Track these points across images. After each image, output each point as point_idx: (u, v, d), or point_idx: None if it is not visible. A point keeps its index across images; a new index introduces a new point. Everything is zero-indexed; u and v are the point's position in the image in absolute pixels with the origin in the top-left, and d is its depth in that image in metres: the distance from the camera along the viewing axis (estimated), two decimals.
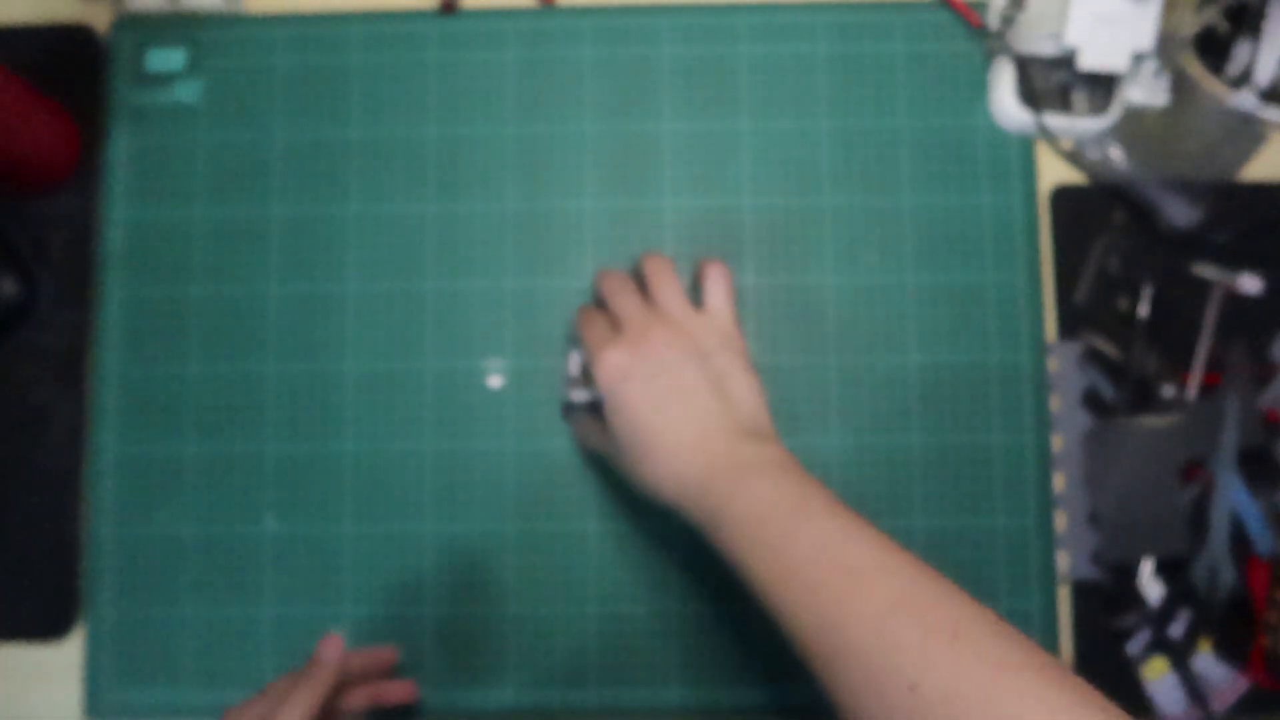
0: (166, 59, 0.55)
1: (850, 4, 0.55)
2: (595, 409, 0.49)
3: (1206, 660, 0.50)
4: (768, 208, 0.54)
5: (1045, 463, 0.52)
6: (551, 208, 0.54)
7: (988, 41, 0.54)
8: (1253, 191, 0.53)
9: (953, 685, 0.33)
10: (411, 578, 0.52)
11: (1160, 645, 0.50)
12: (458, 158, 0.54)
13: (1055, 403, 0.52)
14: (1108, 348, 0.52)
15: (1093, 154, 0.53)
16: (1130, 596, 0.50)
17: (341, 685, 0.46)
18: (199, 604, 0.52)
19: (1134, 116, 0.53)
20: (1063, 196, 0.53)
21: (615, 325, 0.46)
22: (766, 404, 0.45)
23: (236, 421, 0.53)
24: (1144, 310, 0.52)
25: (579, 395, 0.50)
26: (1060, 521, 0.51)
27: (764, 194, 0.54)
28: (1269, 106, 0.52)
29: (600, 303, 0.49)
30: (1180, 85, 0.53)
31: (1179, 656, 0.50)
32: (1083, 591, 0.51)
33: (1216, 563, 0.50)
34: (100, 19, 0.55)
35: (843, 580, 0.37)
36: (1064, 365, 0.52)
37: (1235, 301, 0.52)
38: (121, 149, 0.54)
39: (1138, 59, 0.51)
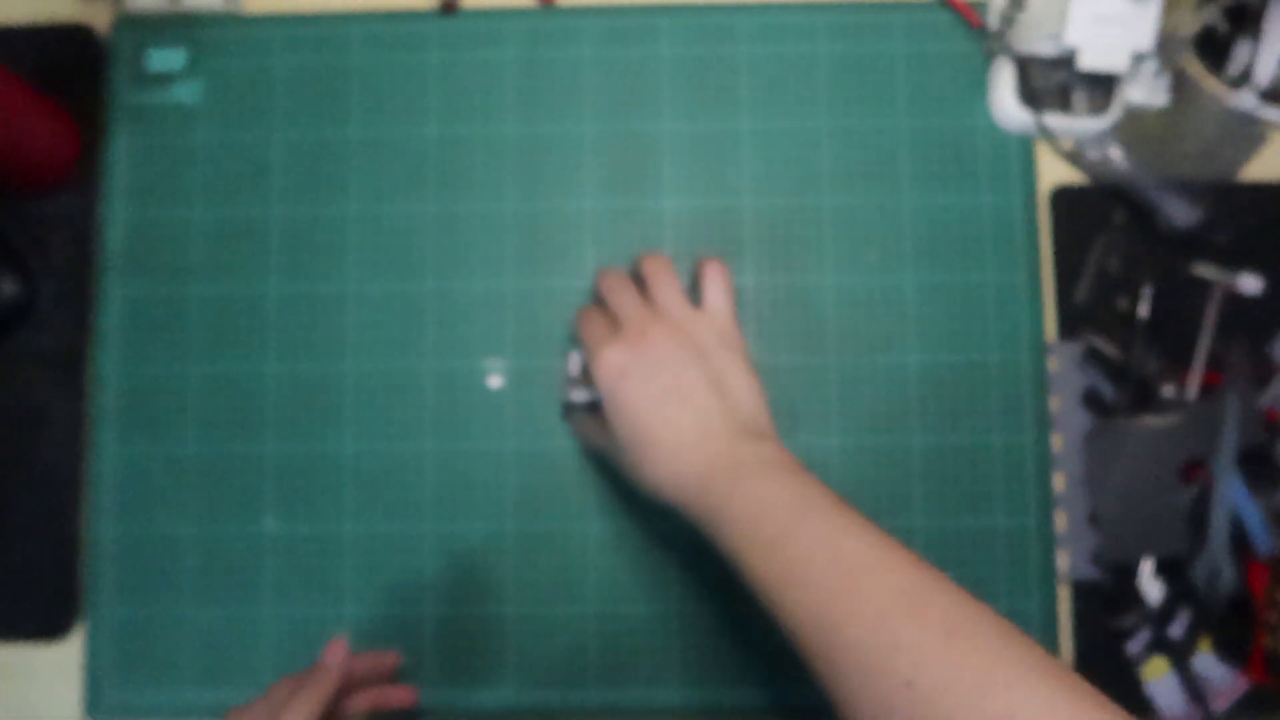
0: (166, 59, 0.55)
1: (850, 4, 0.55)
2: (595, 409, 0.49)
3: (1206, 660, 0.50)
4: (768, 208, 0.54)
5: (1045, 463, 0.52)
6: (551, 208, 0.54)
7: (988, 41, 0.54)
8: (1253, 191, 0.53)
9: (948, 680, 0.33)
10: (411, 578, 0.52)
11: (1160, 645, 0.50)
12: (458, 158, 0.54)
13: (1055, 403, 0.52)
14: (1108, 348, 0.52)
15: (1093, 154, 0.53)
16: (1130, 596, 0.50)
17: (344, 689, 0.46)
18: (199, 604, 0.52)
19: (1134, 116, 0.53)
20: (1063, 196, 0.53)
21: (614, 324, 0.46)
22: (766, 403, 0.45)
23: (236, 421, 0.53)
24: (1144, 310, 0.52)
25: (579, 395, 0.50)
26: (1060, 521, 0.51)
27: (764, 194, 0.54)
28: (1269, 106, 0.52)
29: (599, 302, 0.49)
30: (1180, 85, 0.53)
31: (1179, 656, 0.50)
32: (1083, 591, 0.51)
33: (1216, 563, 0.50)
34: (100, 19, 0.55)
35: (840, 577, 0.37)
36: (1064, 365, 0.52)
37: (1235, 301, 0.52)
38: (121, 149, 0.54)
39: (1138, 59, 0.51)
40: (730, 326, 0.46)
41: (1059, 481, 0.52)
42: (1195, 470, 0.50)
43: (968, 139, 0.54)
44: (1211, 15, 0.52)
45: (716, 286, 0.47)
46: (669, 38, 0.55)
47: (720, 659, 0.51)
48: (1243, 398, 0.50)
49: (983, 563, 0.51)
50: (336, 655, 0.46)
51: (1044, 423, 0.52)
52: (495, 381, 0.53)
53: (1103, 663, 0.50)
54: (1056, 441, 0.52)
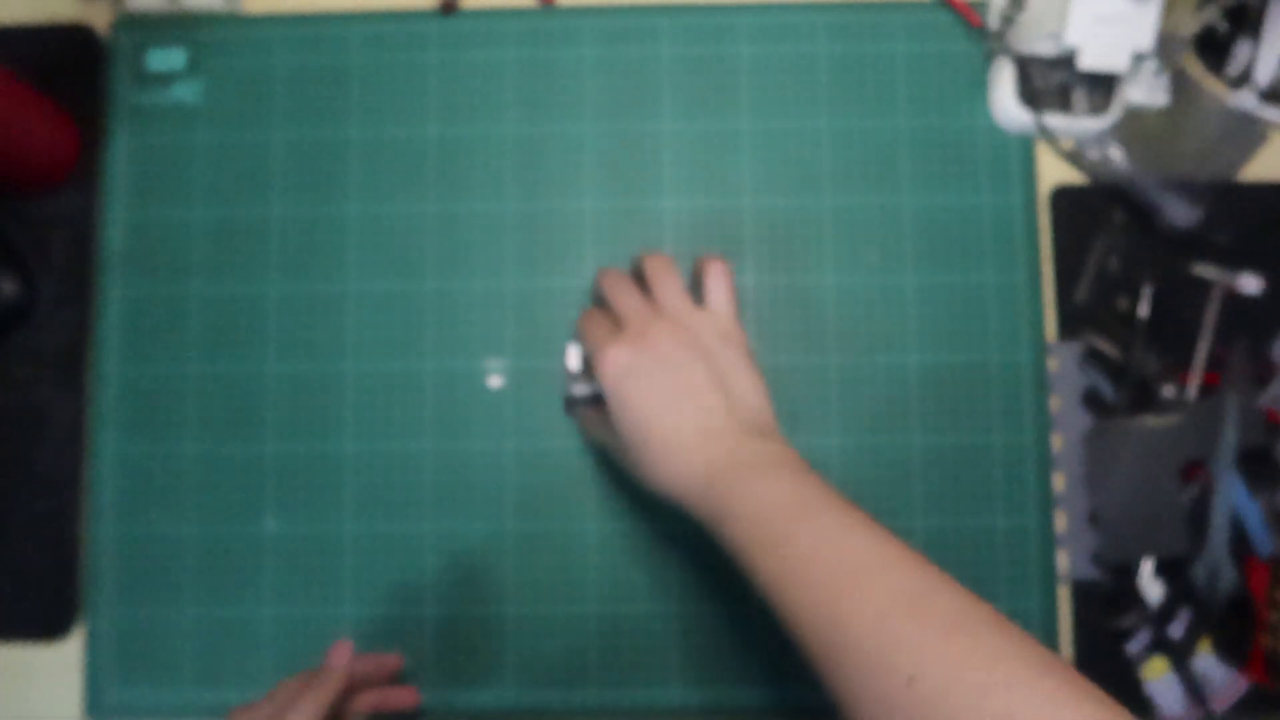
0: (166, 59, 0.55)
1: (850, 4, 0.55)
2: (597, 401, 0.49)
3: (1206, 660, 0.50)
4: (768, 208, 0.54)
5: (1045, 463, 0.52)
6: (551, 208, 0.54)
7: (988, 41, 0.54)
8: (1253, 191, 0.53)
9: (950, 678, 0.33)
10: (411, 578, 0.52)
11: (1160, 645, 0.50)
12: (458, 158, 0.54)
13: (1055, 403, 0.52)
14: (1108, 348, 0.52)
15: (1093, 154, 0.53)
16: (1130, 596, 0.50)
17: (348, 690, 0.46)
18: (199, 604, 0.52)
19: (1134, 116, 0.53)
20: (1063, 196, 0.53)
21: (617, 324, 0.46)
22: (770, 401, 0.45)
23: (236, 421, 0.53)
24: (1144, 310, 0.52)
25: (580, 389, 0.51)
26: (1060, 521, 0.51)
27: (764, 194, 0.54)
28: (1269, 106, 0.52)
29: (600, 303, 0.49)
30: (1180, 85, 0.53)
31: (1179, 656, 0.50)
32: (1083, 591, 0.51)
33: (1216, 563, 0.50)
34: (100, 19, 0.55)
35: (843, 576, 0.37)
36: (1064, 365, 0.52)
37: (1235, 301, 0.52)
38: (121, 149, 0.54)
39: (1138, 59, 0.51)
40: (733, 325, 0.46)
41: (1059, 481, 0.52)
42: (1195, 470, 0.50)
43: (968, 139, 0.54)
44: (1211, 15, 0.52)
45: (719, 285, 0.47)
46: (669, 38, 0.55)
47: (720, 659, 0.51)
48: (1243, 398, 0.50)
49: (983, 563, 0.51)
50: (341, 657, 0.46)
51: (1044, 423, 0.52)
52: (495, 381, 0.53)
53: (1103, 663, 0.50)
54: (1056, 441, 0.52)
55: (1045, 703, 0.32)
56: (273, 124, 0.54)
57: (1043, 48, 0.51)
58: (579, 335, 0.48)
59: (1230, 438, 0.50)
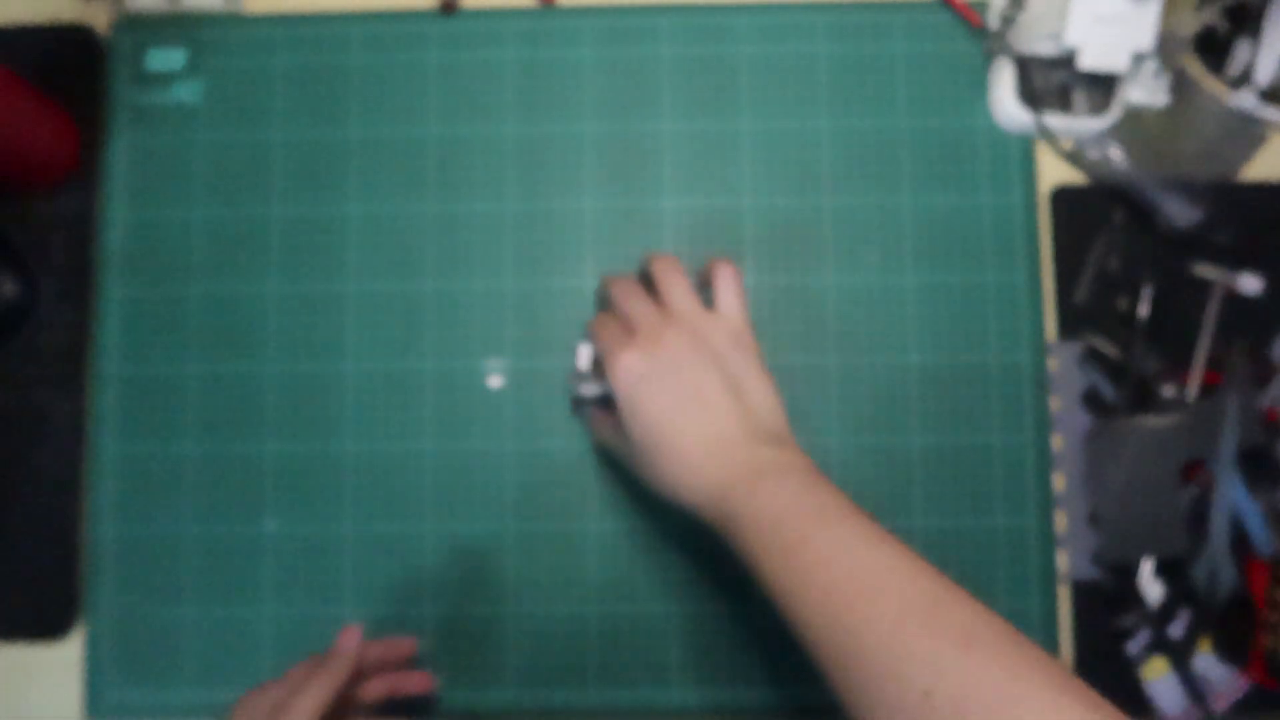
0: (166, 59, 0.55)
1: (850, 4, 0.55)
2: (605, 403, 0.49)
3: (1206, 660, 0.50)
4: (768, 208, 0.54)
5: (1045, 463, 0.52)
6: (551, 208, 0.54)
7: (988, 41, 0.54)
8: (1253, 191, 0.53)
9: (966, 693, 0.33)
10: (412, 578, 0.52)
11: (1160, 645, 0.50)
12: (458, 158, 0.54)
13: (1055, 403, 0.52)
14: (1108, 348, 0.52)
15: (1093, 154, 0.53)
16: (1130, 596, 0.50)
17: (358, 675, 0.47)
18: (199, 604, 0.52)
19: (1134, 116, 0.53)
20: (1063, 196, 0.53)
21: (628, 328, 0.45)
22: (782, 405, 0.44)
23: (236, 421, 0.53)
24: (1144, 310, 0.52)
25: (588, 389, 0.50)
26: (1060, 521, 0.51)
27: (764, 194, 0.54)
28: (1269, 106, 0.52)
29: (607, 307, 0.49)
30: (1180, 85, 0.53)
31: (1179, 656, 0.50)
32: (1083, 591, 0.51)
33: (1216, 563, 0.50)
34: (100, 19, 0.55)
35: (857, 585, 0.37)
36: (1064, 365, 0.52)
37: (1235, 301, 0.52)
38: (121, 149, 0.54)
39: (1138, 59, 0.51)
40: (744, 329, 0.46)
41: (1059, 481, 0.52)
42: (1195, 470, 0.50)
43: (968, 139, 0.54)
44: (1211, 15, 0.52)
45: (729, 288, 0.46)
46: (669, 38, 0.55)
47: (720, 659, 0.51)
48: (1243, 398, 0.50)
49: (983, 563, 0.51)
50: (350, 642, 0.46)
51: (1044, 423, 0.52)
52: (495, 381, 0.53)
53: (1103, 663, 0.50)
54: (1056, 441, 0.52)
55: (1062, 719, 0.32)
56: (273, 124, 0.54)
57: (1043, 48, 0.51)
58: (591, 338, 0.48)
59: (1230, 438, 0.50)
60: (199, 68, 0.55)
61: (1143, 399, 0.51)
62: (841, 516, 0.39)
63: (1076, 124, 0.52)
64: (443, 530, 0.52)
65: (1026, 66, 0.52)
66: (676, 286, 0.46)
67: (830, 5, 0.55)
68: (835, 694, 0.37)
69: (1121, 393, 0.52)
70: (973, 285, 0.53)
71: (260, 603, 0.52)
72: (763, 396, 0.44)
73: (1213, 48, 0.53)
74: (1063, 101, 0.52)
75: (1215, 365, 0.51)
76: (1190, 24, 0.52)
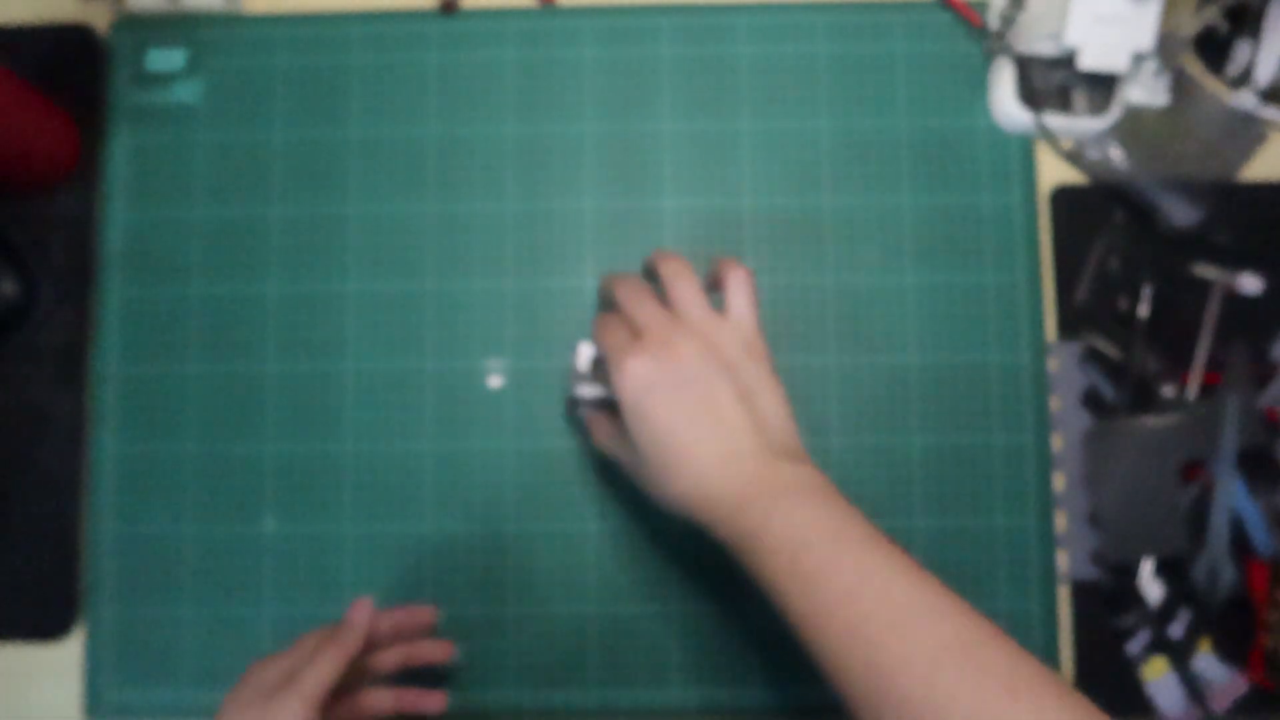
0: (166, 59, 0.55)
1: (850, 4, 0.55)
2: (603, 406, 0.48)
3: (1206, 660, 0.50)
4: (768, 208, 0.54)
5: (1045, 463, 0.52)
6: (551, 208, 0.54)
7: (988, 41, 0.54)
8: (1253, 191, 0.53)
9: None
10: (411, 578, 0.52)
11: (1160, 645, 0.50)
12: (458, 158, 0.54)
13: (1055, 403, 0.52)
14: (1108, 348, 0.52)
15: (1093, 154, 0.53)
16: (1130, 596, 0.50)
17: (371, 645, 0.46)
18: (199, 604, 0.52)
19: (1134, 116, 0.53)
20: (1063, 196, 0.53)
21: (635, 333, 0.43)
22: (793, 417, 0.43)
23: (236, 421, 0.53)
24: (1144, 310, 0.52)
25: (587, 391, 0.48)
26: (1060, 521, 0.51)
27: (764, 194, 0.54)
28: (1269, 106, 0.52)
29: (609, 307, 0.47)
30: (1180, 85, 0.53)
31: (1179, 656, 0.50)
32: (1083, 591, 0.51)
33: (1216, 563, 0.50)
34: (100, 19, 0.55)
35: (887, 620, 0.35)
36: (1064, 365, 0.52)
37: (1235, 301, 0.52)
38: (121, 149, 0.54)
39: (1138, 59, 0.51)
40: (756, 336, 0.43)
41: (1059, 481, 0.52)
42: (1195, 470, 0.50)
43: (968, 139, 0.54)
44: (1211, 15, 0.52)
45: (741, 292, 0.44)
46: (669, 38, 0.55)
47: (720, 659, 0.51)
48: (1243, 398, 0.50)
49: (983, 563, 0.51)
50: (361, 615, 0.45)
51: (1044, 423, 0.52)
52: (495, 381, 0.53)
53: (1103, 663, 0.50)
54: (1056, 441, 0.52)
55: None
56: (273, 124, 0.54)
57: (1043, 48, 0.51)
58: (595, 340, 0.45)
59: (1230, 438, 0.50)
60: (199, 68, 0.55)
61: (1143, 399, 0.51)
62: (864, 541, 0.38)
63: (1076, 124, 0.52)
64: (443, 530, 0.52)
65: (1026, 66, 0.52)
66: (687, 290, 0.44)
67: (830, 5, 0.55)
68: None
69: (1121, 393, 0.52)
70: (973, 285, 0.53)
71: (260, 603, 0.52)
72: (775, 408, 0.42)
73: (1213, 48, 0.53)
74: (1063, 101, 0.52)
75: (1215, 365, 0.51)
76: (1190, 24, 0.52)
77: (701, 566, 0.51)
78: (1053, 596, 0.51)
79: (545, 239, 0.54)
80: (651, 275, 0.46)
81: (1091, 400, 0.52)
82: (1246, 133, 0.53)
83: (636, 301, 0.44)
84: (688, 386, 0.41)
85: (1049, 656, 0.50)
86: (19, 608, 0.51)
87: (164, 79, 0.55)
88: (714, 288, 0.46)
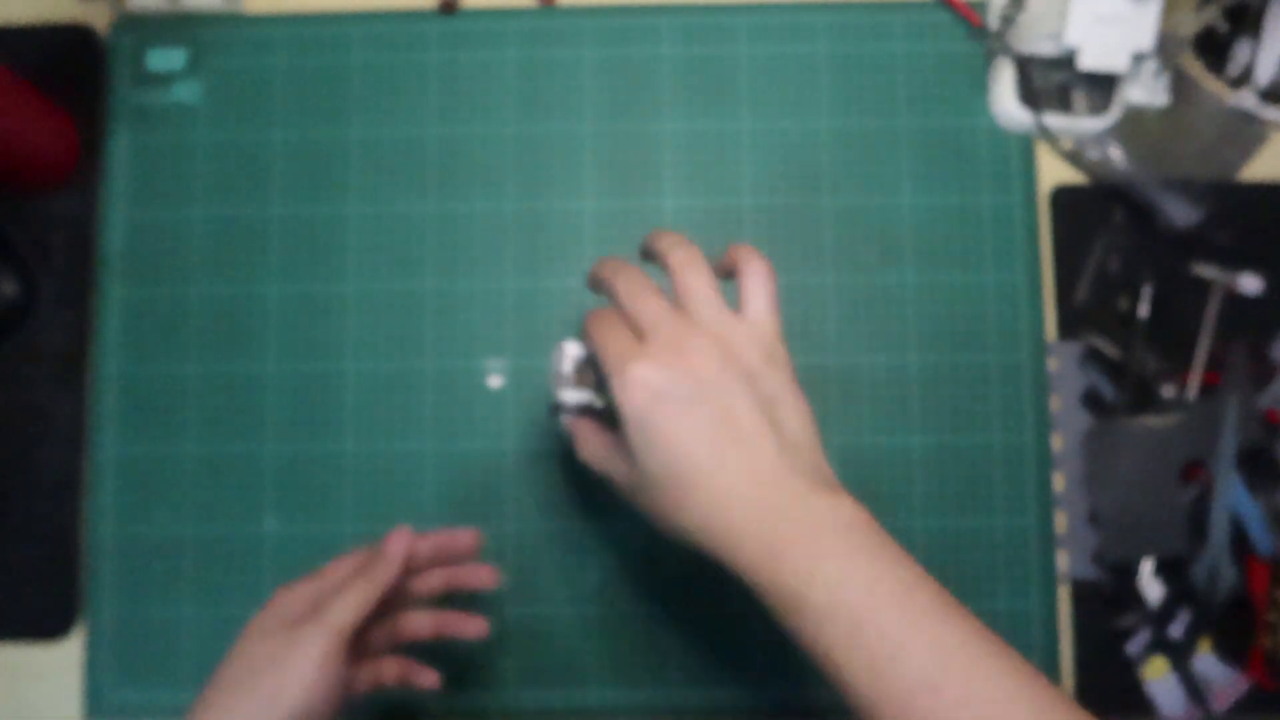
0: (166, 59, 0.55)
1: (850, 4, 0.55)
2: (588, 413, 0.43)
3: (1206, 660, 0.50)
4: (768, 208, 0.54)
5: (1045, 463, 0.52)
6: (551, 208, 0.54)
7: (988, 41, 0.54)
8: (1253, 191, 0.53)
9: None
10: None
11: (1160, 645, 0.50)
12: (458, 158, 0.54)
13: (1055, 403, 0.52)
14: (1108, 348, 0.52)
15: (1093, 154, 0.53)
16: (1130, 596, 0.50)
17: (410, 571, 0.44)
18: (199, 604, 0.52)
19: (1134, 116, 0.53)
20: (1063, 196, 0.53)
21: (638, 333, 0.38)
22: (819, 434, 0.38)
23: (236, 421, 0.53)
24: (1144, 310, 0.52)
25: (570, 396, 0.43)
26: (1060, 521, 0.51)
27: (764, 194, 0.54)
28: (1269, 106, 0.52)
29: (597, 297, 0.42)
30: (1180, 85, 0.53)
31: (1179, 656, 0.50)
32: (1083, 591, 0.51)
33: (1216, 563, 0.50)
34: (100, 19, 0.55)
35: (977, 716, 0.31)
36: (1064, 365, 0.52)
37: (1235, 301, 0.52)
38: (121, 149, 0.54)
39: (1138, 59, 0.51)
40: (777, 340, 0.38)
41: (1059, 481, 0.52)
42: (1195, 470, 0.50)
43: (968, 139, 0.54)
44: (1211, 15, 0.52)
45: (760, 288, 0.38)
46: (669, 38, 0.55)
47: (720, 659, 0.51)
48: (1243, 398, 0.50)
49: (983, 563, 0.51)
50: (397, 547, 0.42)
51: (1044, 423, 0.52)
52: (495, 381, 0.53)
53: (1103, 663, 0.50)
54: (1056, 441, 0.52)
55: None
56: (273, 124, 0.54)
57: (1043, 48, 0.51)
58: (587, 339, 0.40)
59: (1230, 438, 0.50)
60: (199, 68, 0.55)
61: (1143, 399, 0.51)
62: (935, 610, 0.33)
63: (1076, 124, 0.52)
64: None
65: (1026, 66, 0.52)
66: (700, 284, 0.38)
67: (830, 5, 0.55)
68: None
69: (1121, 393, 0.52)
70: (973, 285, 0.53)
71: (260, 603, 0.51)
72: (800, 424, 0.37)
73: (1213, 48, 0.53)
74: (1063, 101, 0.52)
75: (1215, 365, 0.51)
76: (1190, 24, 0.52)
77: (702, 567, 0.51)
78: (1053, 596, 0.51)
79: (545, 239, 0.54)
80: (650, 260, 0.41)
81: (1091, 400, 0.52)
82: (1246, 133, 0.53)
83: (640, 296, 0.38)
84: (703, 399, 0.36)
85: (1049, 656, 0.50)
86: (19, 608, 0.51)
87: (164, 79, 0.55)
88: (724, 278, 0.40)
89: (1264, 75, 0.52)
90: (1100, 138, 0.53)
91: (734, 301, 0.38)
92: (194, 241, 0.54)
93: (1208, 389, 0.51)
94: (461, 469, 0.52)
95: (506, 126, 0.54)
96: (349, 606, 0.39)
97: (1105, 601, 0.51)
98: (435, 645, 0.51)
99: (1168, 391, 0.51)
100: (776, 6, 0.55)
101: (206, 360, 0.53)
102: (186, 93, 0.55)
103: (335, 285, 0.53)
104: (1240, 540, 0.50)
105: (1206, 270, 0.53)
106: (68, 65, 0.55)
